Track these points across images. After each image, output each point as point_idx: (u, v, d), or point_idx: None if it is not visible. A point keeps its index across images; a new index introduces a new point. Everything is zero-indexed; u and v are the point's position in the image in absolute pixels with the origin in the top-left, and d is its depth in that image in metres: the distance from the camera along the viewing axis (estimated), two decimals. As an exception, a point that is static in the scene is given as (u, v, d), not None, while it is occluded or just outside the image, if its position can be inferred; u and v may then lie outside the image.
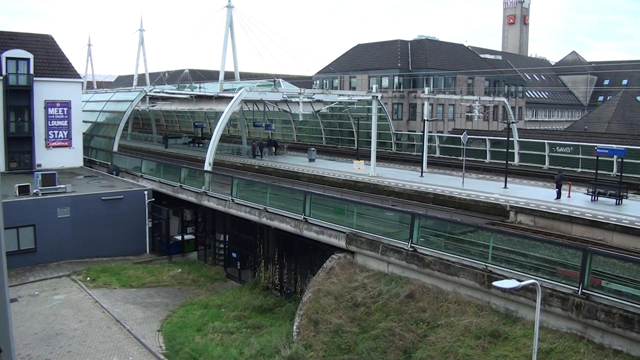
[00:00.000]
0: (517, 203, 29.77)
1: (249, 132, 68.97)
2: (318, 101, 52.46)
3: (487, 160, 49.00)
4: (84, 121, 52.32)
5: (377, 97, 41.92)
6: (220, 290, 31.41)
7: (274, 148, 56.16)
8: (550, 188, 34.60)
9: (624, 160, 34.05)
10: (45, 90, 46.41)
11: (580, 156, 43.17)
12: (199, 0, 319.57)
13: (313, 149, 51.71)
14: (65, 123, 47.78)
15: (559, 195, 31.28)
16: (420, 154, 43.72)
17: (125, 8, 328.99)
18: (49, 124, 47.02)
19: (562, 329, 17.57)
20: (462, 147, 41.83)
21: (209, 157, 39.15)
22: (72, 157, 48.37)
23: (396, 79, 78.41)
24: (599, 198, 30.69)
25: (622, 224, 25.25)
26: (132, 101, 52.37)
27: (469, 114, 56.13)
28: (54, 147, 47.48)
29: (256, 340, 23.03)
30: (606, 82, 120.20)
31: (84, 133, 51.76)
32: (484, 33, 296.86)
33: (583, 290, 17.19)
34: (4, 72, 44.08)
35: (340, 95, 51.82)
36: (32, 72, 45.15)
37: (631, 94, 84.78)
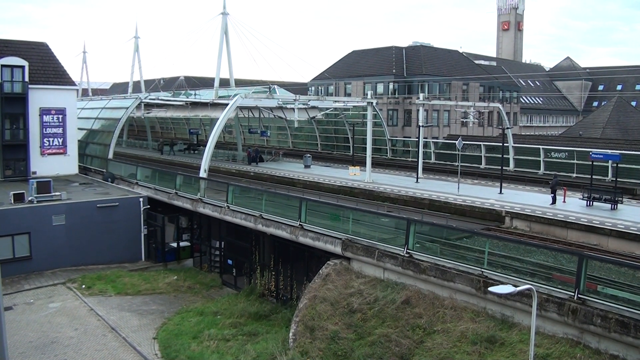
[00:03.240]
0: (513, 208, 29.83)
1: (245, 139, 68.95)
2: (313, 107, 52.51)
3: (483, 165, 49.09)
4: (79, 128, 52.27)
5: (372, 103, 42.02)
6: (216, 297, 31.33)
7: (258, 161, 54.58)
8: (546, 193, 34.70)
9: (619, 165, 34.15)
10: (40, 98, 46.37)
11: (575, 161, 43.28)
12: (194, 7, 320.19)
13: (308, 155, 51.70)
14: (60, 130, 47.71)
15: (554, 201, 31.36)
16: (416, 160, 43.76)
17: (120, 15, 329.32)
18: (44, 132, 46.95)
19: (558, 334, 17.59)
20: (457, 152, 41.91)
21: (205, 163, 39.14)
22: (67, 164, 48.29)
23: (391, 85, 78.67)
24: (594, 203, 30.78)
25: (618, 229, 25.32)
26: (127, 108, 52.33)
27: (464, 120, 56.22)
28: (49, 154, 47.39)
29: (252, 348, 22.97)
30: (600, 87, 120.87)
31: (79, 140, 51.70)
32: (479, 39, 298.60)
33: (579, 296, 17.22)
34: (-2, 80, 44.04)
35: (335, 101, 51.87)
36: (27, 79, 45.13)
37: (626, 99, 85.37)
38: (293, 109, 44.13)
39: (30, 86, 45.42)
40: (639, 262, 20.82)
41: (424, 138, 47.42)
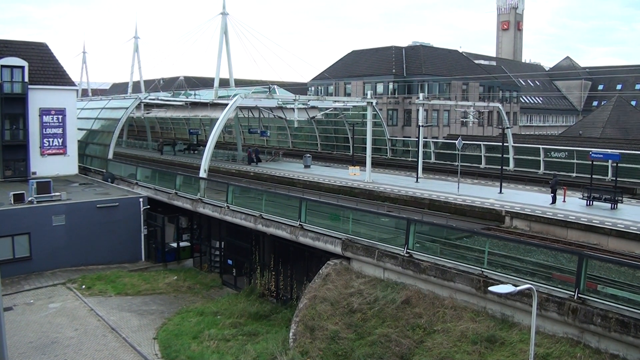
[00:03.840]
0: (513, 208, 29.83)
1: (244, 139, 68.95)
2: (313, 107, 52.52)
3: (482, 165, 49.09)
4: (78, 129, 52.22)
5: (372, 103, 42.00)
6: (216, 298, 31.33)
7: (256, 161, 54.47)
8: (546, 193, 34.71)
9: (619, 164, 34.16)
10: (40, 98, 46.34)
11: (575, 161, 43.27)
12: (194, 7, 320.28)
13: (308, 155, 51.69)
14: (60, 131, 47.69)
15: (554, 200, 31.35)
16: (416, 159, 43.77)
17: (120, 16, 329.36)
18: (44, 132, 46.93)
19: (558, 334, 17.58)
20: (457, 152, 41.90)
21: (205, 163, 39.12)
22: (67, 164, 48.26)
23: (391, 85, 78.68)
24: (594, 203, 30.78)
25: (618, 228, 25.33)
26: (127, 108, 52.30)
27: (464, 120, 56.21)
28: (49, 154, 47.37)
29: (252, 348, 22.96)
30: (600, 87, 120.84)
31: (79, 141, 51.66)
32: (478, 39, 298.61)
33: (579, 295, 17.22)
34: (-2, 80, 44.01)
35: (335, 101, 51.85)
36: (26, 80, 45.08)
37: (625, 98, 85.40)
38: (293, 109, 44.10)
39: (30, 86, 45.37)
40: (639, 262, 20.83)
41: (424, 138, 47.40)
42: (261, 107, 50.26)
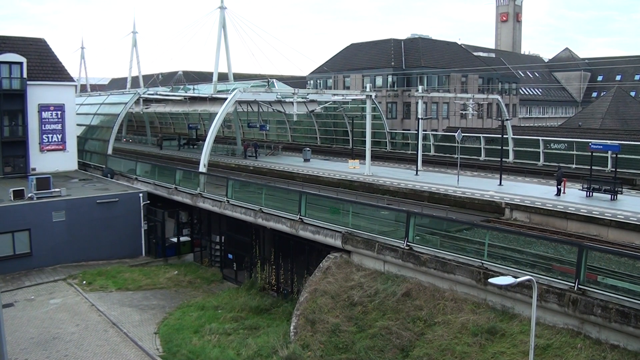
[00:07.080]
0: (512, 200, 29.83)
1: (244, 133, 68.92)
2: (312, 101, 52.44)
3: (482, 157, 49.06)
4: (78, 124, 52.18)
5: (371, 96, 41.95)
6: (216, 292, 31.38)
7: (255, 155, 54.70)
8: (545, 184, 34.73)
9: (618, 155, 34.12)
10: (39, 94, 46.25)
11: (574, 152, 43.23)
12: (192, 1, 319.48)
13: (308, 149, 51.66)
14: (59, 126, 47.66)
15: (558, 192, 31.29)
16: (415, 152, 43.73)
17: (118, 10, 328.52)
18: (43, 128, 46.89)
19: (558, 325, 17.63)
20: (456, 145, 41.83)
21: (204, 158, 39.09)
22: (66, 160, 48.23)
23: (390, 78, 78.55)
24: (594, 194, 30.78)
25: (617, 219, 25.34)
26: (126, 104, 52.27)
27: (463, 112, 56.16)
28: (48, 150, 47.35)
29: (253, 341, 23.01)
30: (599, 78, 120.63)
31: (78, 136, 51.62)
32: (477, 31, 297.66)
33: (579, 286, 17.25)
34: (-4, 77, 43.93)
35: (334, 95, 51.76)
36: (25, 76, 44.98)
37: (625, 89, 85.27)
38: (292, 102, 44.01)
39: (28, 82, 45.27)
40: (638, 252, 20.86)
41: (423, 130, 47.34)
42: (260, 101, 50.19)
